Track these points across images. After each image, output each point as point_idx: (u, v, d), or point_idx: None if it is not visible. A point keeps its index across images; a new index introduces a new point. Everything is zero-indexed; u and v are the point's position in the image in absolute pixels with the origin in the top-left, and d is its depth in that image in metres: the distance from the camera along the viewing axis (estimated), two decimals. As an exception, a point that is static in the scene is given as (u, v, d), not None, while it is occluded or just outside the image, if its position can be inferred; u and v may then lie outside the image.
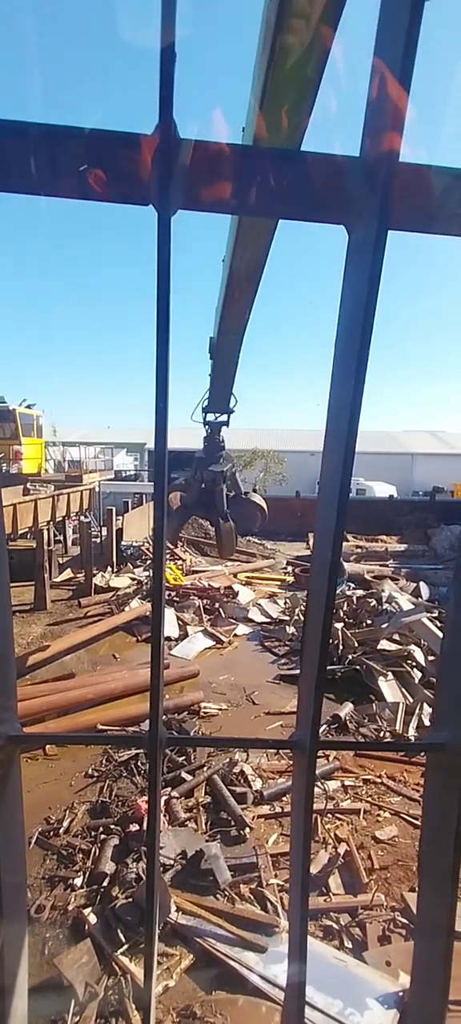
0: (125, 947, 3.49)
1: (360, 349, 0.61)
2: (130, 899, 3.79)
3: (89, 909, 3.79)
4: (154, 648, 0.69)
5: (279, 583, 13.77)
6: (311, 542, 17.45)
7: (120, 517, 15.17)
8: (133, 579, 12.73)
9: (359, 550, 17.51)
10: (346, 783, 5.37)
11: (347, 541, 19.32)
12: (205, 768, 5.36)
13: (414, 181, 0.61)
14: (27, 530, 12.47)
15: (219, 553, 11.51)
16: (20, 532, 12.33)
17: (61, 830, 4.64)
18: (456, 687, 0.75)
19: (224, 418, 10.24)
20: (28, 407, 21.86)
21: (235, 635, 9.96)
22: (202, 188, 0.61)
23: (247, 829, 4.62)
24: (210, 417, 9.82)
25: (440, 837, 0.77)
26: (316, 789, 5.16)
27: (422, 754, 5.83)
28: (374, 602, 9.90)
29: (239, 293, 4.98)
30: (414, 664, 7.89)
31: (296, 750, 0.79)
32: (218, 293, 5.87)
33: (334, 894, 4.00)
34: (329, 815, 4.86)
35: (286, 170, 0.63)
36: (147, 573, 13.20)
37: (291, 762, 5.62)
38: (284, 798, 5.11)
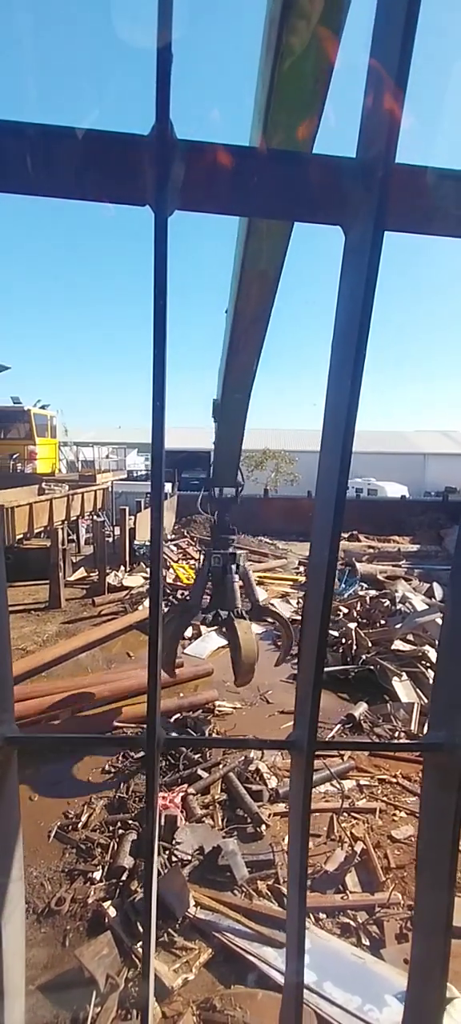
0: (145, 940, 3.54)
1: (357, 349, 0.61)
2: (149, 893, 3.84)
3: (108, 902, 3.84)
4: (151, 649, 0.69)
5: (291, 583, 13.78)
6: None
7: (132, 516, 15.27)
8: (146, 578, 12.82)
9: (371, 550, 17.44)
10: (362, 782, 5.37)
11: (359, 541, 19.29)
12: (221, 766, 5.40)
13: (410, 182, 0.61)
14: (42, 529, 12.58)
15: (235, 675, 6.23)
16: (34, 531, 12.43)
17: (79, 825, 4.70)
18: (452, 687, 0.75)
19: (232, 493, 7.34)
20: (42, 407, 22.06)
21: (249, 634, 9.98)
22: (199, 189, 0.61)
23: (263, 826, 4.65)
24: (217, 492, 7.21)
25: (437, 836, 0.77)
26: (332, 788, 5.20)
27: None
28: (388, 602, 9.88)
29: (244, 341, 4.40)
30: (428, 664, 7.86)
31: (293, 750, 0.78)
32: (221, 351, 5.25)
33: (351, 892, 4.02)
34: (345, 814, 4.87)
35: (283, 171, 0.63)
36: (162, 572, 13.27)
37: (306, 761, 5.65)
38: (300, 796, 5.12)
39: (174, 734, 6.27)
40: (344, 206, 0.62)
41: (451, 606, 0.76)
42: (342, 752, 5.77)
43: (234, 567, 6.47)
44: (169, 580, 12.41)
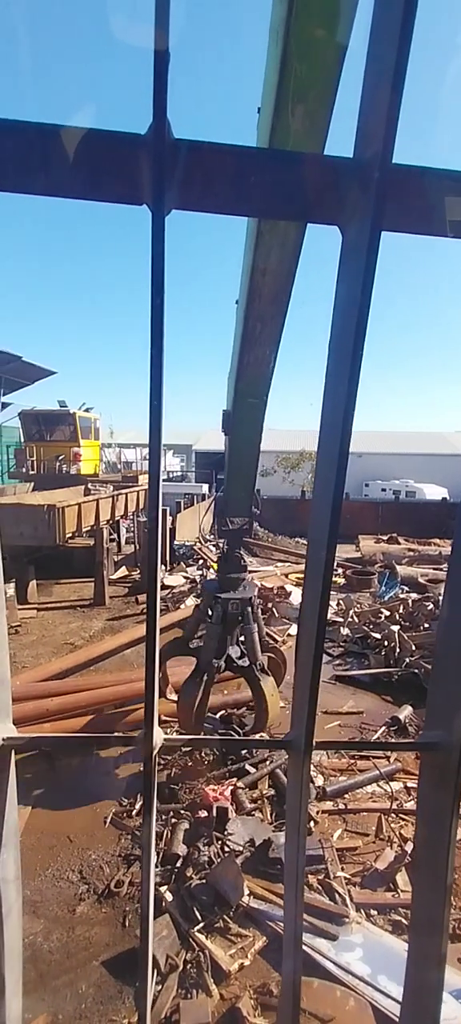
0: (201, 924, 3.68)
1: (354, 350, 0.61)
2: (204, 880, 3.97)
3: (165, 887, 3.99)
4: (149, 651, 0.68)
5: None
6: (361, 543, 17.11)
7: (172, 517, 15.55)
8: (186, 577, 13.05)
9: (411, 553, 17.17)
10: (409, 784, 5.37)
11: (398, 544, 19.00)
12: (268, 762, 5.50)
13: (407, 182, 0.61)
14: (89, 529, 13.00)
15: (256, 721, 5.78)
16: (82, 531, 12.86)
17: (134, 812, 4.89)
18: (449, 687, 0.76)
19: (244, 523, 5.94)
20: (86, 411, 22.78)
21: (288, 635, 10.02)
22: (196, 188, 0.61)
23: (312, 823, 4.72)
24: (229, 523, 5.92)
25: (434, 835, 0.78)
26: (378, 789, 5.22)
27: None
28: (431, 606, 9.75)
29: (261, 327, 3.77)
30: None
31: (291, 749, 0.79)
32: (231, 353, 4.55)
33: (402, 891, 4.04)
34: (393, 814, 4.89)
35: (280, 170, 0.64)
36: (200, 572, 13.48)
37: (352, 760, 5.69)
38: (347, 795, 5.18)
39: (220, 730, 6.40)
40: (341, 206, 0.63)
41: (447, 607, 0.77)
42: (388, 754, 5.78)
43: (250, 611, 5.59)
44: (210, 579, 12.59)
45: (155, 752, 0.72)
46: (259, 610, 5.97)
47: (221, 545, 6.18)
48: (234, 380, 4.46)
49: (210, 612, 5.55)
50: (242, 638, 5.68)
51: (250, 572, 13.45)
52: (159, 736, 0.71)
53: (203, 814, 4.62)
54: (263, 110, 2.42)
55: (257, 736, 5.74)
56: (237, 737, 6.07)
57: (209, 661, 5.41)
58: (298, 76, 2.02)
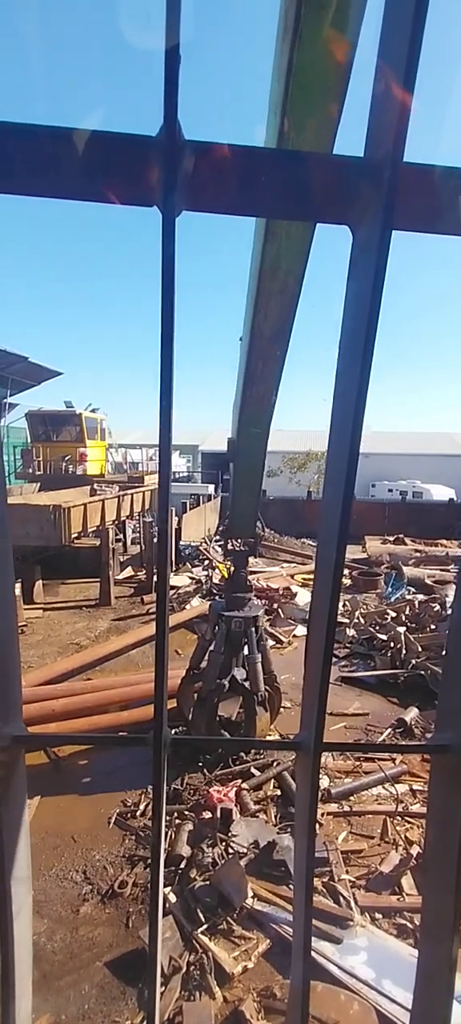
0: (204, 926, 3.67)
1: (364, 350, 0.61)
2: (207, 882, 3.97)
3: (169, 888, 3.99)
4: (159, 650, 0.68)
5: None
6: (367, 544, 17.01)
7: (177, 518, 15.57)
8: (192, 578, 13.06)
9: (418, 554, 17.07)
10: (415, 787, 5.34)
11: (405, 545, 18.91)
12: (274, 764, 5.48)
13: (419, 181, 0.61)
14: (94, 529, 13.04)
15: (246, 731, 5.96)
16: (88, 531, 12.91)
17: (137, 813, 4.89)
18: (460, 689, 0.75)
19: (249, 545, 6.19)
20: (92, 411, 22.87)
21: (294, 636, 10.01)
22: (206, 190, 0.61)
23: (317, 825, 4.69)
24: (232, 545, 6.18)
25: (445, 838, 0.77)
26: (384, 791, 5.19)
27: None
28: (438, 607, 9.70)
29: (262, 367, 3.93)
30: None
31: (300, 751, 0.79)
32: (235, 386, 4.69)
33: (407, 894, 4.02)
34: (399, 817, 4.86)
35: (291, 170, 0.63)
36: (205, 572, 13.49)
37: (357, 762, 5.66)
38: (352, 797, 5.15)
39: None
40: (352, 205, 0.63)
41: (458, 608, 0.76)
42: (393, 756, 5.74)
43: (254, 631, 5.72)
44: (215, 580, 12.57)
45: (164, 751, 0.71)
46: (266, 640, 6.18)
47: (226, 552, 6.34)
48: (238, 412, 4.64)
49: (215, 631, 5.80)
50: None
51: (255, 572, 13.52)
52: (168, 734, 0.71)
53: (207, 815, 4.61)
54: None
55: (266, 738, 5.79)
56: (246, 738, 6.07)
57: (211, 688, 5.70)
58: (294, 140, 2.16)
